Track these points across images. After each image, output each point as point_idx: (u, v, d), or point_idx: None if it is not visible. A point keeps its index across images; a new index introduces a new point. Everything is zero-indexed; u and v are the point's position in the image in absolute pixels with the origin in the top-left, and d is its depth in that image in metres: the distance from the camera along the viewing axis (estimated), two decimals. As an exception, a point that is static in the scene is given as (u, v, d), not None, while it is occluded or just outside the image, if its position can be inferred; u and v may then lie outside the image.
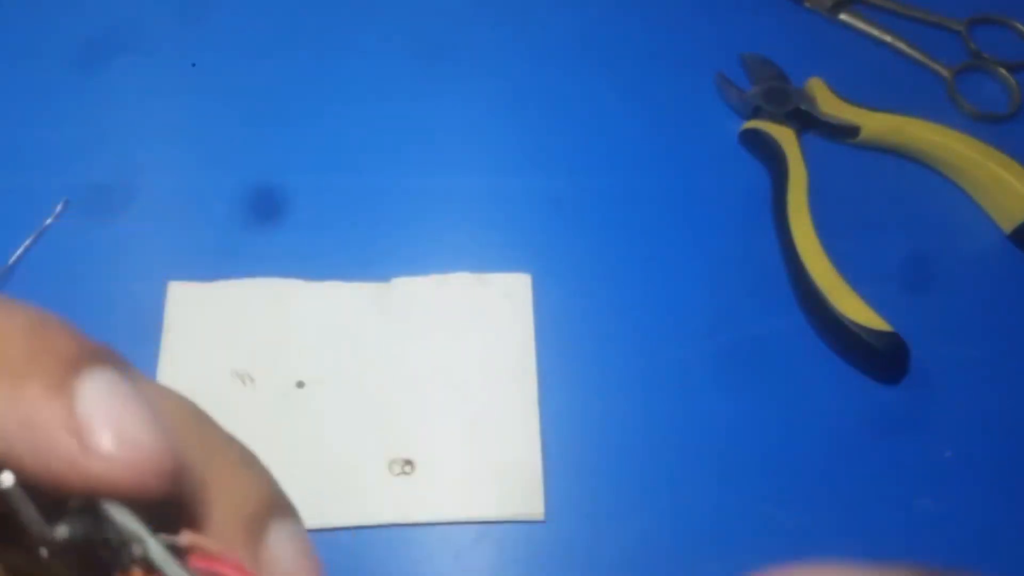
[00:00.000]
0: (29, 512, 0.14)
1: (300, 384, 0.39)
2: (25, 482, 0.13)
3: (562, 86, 0.48)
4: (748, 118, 0.46)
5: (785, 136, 0.44)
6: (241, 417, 0.38)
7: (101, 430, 0.14)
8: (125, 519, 0.14)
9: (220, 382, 0.39)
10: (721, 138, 0.46)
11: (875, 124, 0.45)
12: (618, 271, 0.42)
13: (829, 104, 0.46)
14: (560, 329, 0.40)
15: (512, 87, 0.48)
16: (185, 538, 0.14)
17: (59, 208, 0.43)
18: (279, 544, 0.16)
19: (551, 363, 0.40)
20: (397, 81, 0.48)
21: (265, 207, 0.44)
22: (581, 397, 0.39)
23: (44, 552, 0.14)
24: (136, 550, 0.14)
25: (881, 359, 0.39)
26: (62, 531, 0.14)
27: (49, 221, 0.43)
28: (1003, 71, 0.48)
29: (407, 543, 0.36)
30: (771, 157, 0.45)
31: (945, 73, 0.48)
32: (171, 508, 0.15)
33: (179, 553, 0.14)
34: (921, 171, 0.46)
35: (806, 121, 0.46)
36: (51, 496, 0.14)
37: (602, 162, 0.45)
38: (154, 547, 0.14)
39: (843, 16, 0.50)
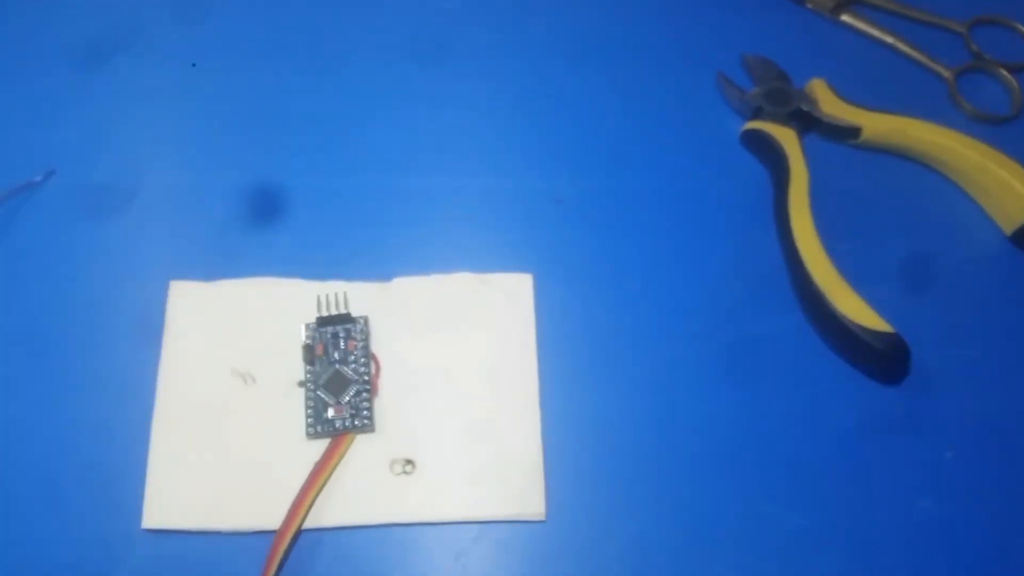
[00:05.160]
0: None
1: (301, 383, 0.39)
2: None
3: (563, 86, 0.48)
4: (749, 118, 0.46)
5: (786, 137, 0.44)
6: (242, 416, 0.38)
7: None
8: None
9: (221, 381, 0.39)
10: (722, 139, 0.46)
11: (876, 125, 0.45)
12: (619, 271, 0.42)
13: (830, 105, 0.46)
14: (561, 329, 0.40)
15: (512, 87, 0.48)
16: None
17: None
18: None
19: (552, 363, 0.40)
20: (397, 81, 0.48)
21: (266, 207, 0.44)
22: (582, 397, 0.39)
23: None
24: None
25: (882, 360, 0.39)
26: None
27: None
28: (1004, 72, 0.48)
29: (407, 543, 0.36)
30: (772, 158, 0.45)
31: (946, 74, 0.48)
32: None
33: None
34: (922, 172, 0.46)
35: (807, 122, 0.46)
36: None
37: (603, 162, 0.45)
38: None
39: (844, 17, 0.50)
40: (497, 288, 0.41)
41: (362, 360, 0.39)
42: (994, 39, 0.50)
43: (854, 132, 0.45)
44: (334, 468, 0.37)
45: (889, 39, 0.50)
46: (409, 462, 0.37)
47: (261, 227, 0.43)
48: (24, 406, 0.39)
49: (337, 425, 0.37)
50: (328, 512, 0.36)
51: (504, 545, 0.36)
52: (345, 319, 0.39)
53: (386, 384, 0.39)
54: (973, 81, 0.49)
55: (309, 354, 0.39)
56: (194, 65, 0.48)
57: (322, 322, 0.39)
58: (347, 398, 0.38)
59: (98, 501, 0.37)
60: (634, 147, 0.46)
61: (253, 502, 0.36)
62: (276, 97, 0.47)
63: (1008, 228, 0.44)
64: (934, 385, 0.40)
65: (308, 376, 0.38)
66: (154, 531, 0.36)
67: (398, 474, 0.37)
